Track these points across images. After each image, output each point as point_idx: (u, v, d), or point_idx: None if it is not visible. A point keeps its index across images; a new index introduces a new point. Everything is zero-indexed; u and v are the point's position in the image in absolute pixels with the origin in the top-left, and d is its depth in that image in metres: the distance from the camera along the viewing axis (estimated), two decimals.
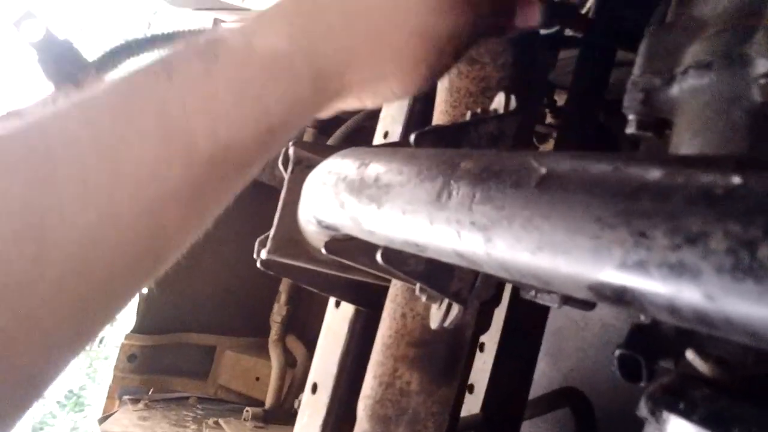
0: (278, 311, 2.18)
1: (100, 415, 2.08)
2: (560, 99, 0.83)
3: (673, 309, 0.26)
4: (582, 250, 0.29)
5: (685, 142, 0.38)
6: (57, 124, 0.32)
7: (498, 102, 0.56)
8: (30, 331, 0.31)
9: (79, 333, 0.34)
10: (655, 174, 0.27)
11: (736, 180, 0.24)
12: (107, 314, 0.35)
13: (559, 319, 1.24)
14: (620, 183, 0.28)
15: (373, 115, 0.99)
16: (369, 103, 0.43)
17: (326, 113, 0.43)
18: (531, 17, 0.48)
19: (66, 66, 0.51)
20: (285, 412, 2.04)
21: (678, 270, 0.25)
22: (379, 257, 0.50)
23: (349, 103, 0.42)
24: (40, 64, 0.52)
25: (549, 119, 0.90)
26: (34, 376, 0.32)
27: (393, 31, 0.41)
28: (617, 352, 0.48)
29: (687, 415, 0.44)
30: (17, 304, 0.30)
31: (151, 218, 0.33)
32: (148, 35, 0.56)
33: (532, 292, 0.62)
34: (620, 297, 0.29)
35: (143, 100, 0.33)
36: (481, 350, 1.22)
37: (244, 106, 0.35)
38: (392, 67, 0.42)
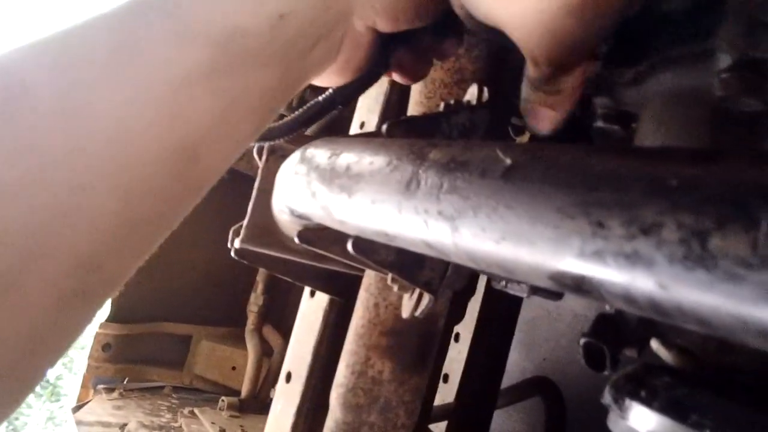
0: (255, 301, 2.18)
1: (74, 404, 2.07)
2: None
3: (628, 297, 0.27)
4: (543, 240, 0.30)
5: (649, 135, 0.38)
6: (77, 27, 0.34)
7: (471, 93, 0.56)
8: (85, 206, 0.31)
9: (134, 224, 0.34)
10: (612, 165, 0.28)
11: (690, 171, 0.25)
12: (156, 215, 0.35)
13: (532, 309, 1.26)
14: (580, 174, 0.29)
15: (350, 107, 0.99)
16: (382, 16, 0.42)
17: (342, 28, 0.42)
18: None
19: None
20: (261, 401, 2.04)
21: (633, 259, 0.26)
22: (350, 246, 0.50)
23: (361, 11, 0.41)
24: None
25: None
26: (95, 262, 0.33)
27: None
28: (582, 341, 0.49)
29: (648, 402, 0.46)
30: (69, 174, 0.31)
31: (177, 97, 0.34)
32: None
33: (503, 283, 0.63)
34: (579, 286, 0.29)
35: None
36: (456, 340, 1.24)
37: None
38: None
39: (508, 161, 0.33)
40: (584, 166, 0.29)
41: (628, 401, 0.47)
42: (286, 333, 2.08)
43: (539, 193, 0.30)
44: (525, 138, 0.88)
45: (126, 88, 0.33)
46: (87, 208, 0.32)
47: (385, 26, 0.42)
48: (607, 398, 0.51)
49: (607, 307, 0.49)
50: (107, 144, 0.32)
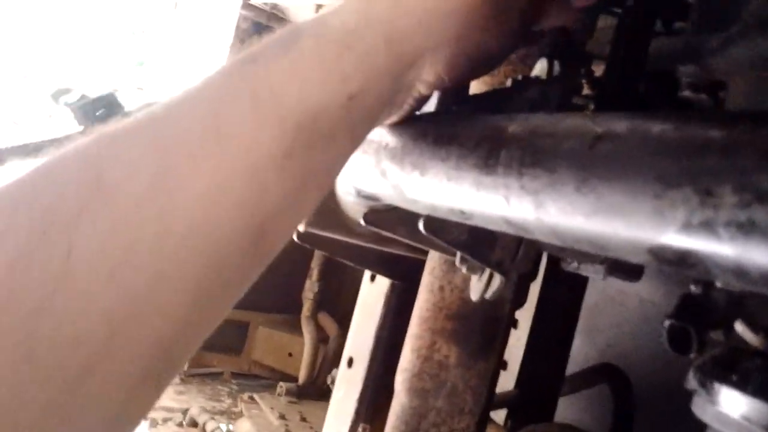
0: (310, 287, 2.19)
1: None
2: (598, 70, 0.81)
3: (740, 271, 0.25)
4: (642, 212, 0.28)
5: (740, 102, 0.36)
6: (162, 110, 0.36)
7: (540, 68, 0.54)
8: (160, 293, 0.32)
9: (204, 305, 0.35)
10: (720, 131, 0.26)
11: None
12: (226, 292, 0.37)
13: (595, 294, 1.23)
14: (683, 141, 0.27)
15: None
16: (445, 74, 0.44)
17: (407, 93, 0.44)
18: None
19: (106, 116, 0.53)
20: (318, 387, 2.06)
21: (747, 229, 0.24)
22: (421, 226, 0.49)
23: (426, 77, 0.43)
24: (77, 120, 0.53)
25: (586, 90, 0.87)
26: (165, 346, 0.33)
27: None
28: (667, 323, 0.47)
29: (740, 386, 0.43)
30: (145, 265, 0.32)
31: (254, 185, 0.35)
32: None
33: (575, 264, 0.61)
34: (683, 260, 0.28)
35: (235, 81, 0.37)
36: (515, 326, 1.21)
37: (324, 75, 0.38)
38: (461, 26, 0.42)
39: (598, 130, 0.32)
40: (686, 132, 0.27)
41: (717, 385, 0.45)
42: (341, 319, 2.09)
43: (636, 162, 0.29)
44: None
45: (209, 179, 0.34)
46: (163, 296, 0.32)
47: (450, 83, 0.45)
48: (692, 383, 0.48)
49: (692, 287, 0.47)
50: (185, 235, 0.33)
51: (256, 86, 0.36)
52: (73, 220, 0.31)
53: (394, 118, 0.48)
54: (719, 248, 0.25)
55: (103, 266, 0.31)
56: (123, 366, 0.32)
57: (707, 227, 0.25)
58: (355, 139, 0.41)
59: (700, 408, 0.47)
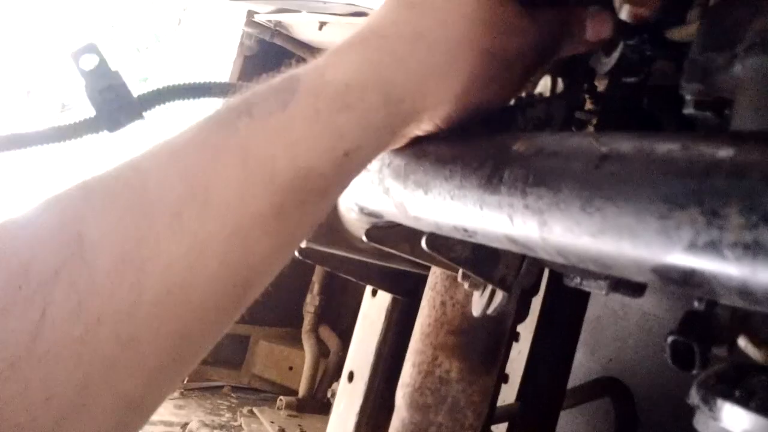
0: (311, 301, 2.19)
1: None
2: (600, 85, 0.81)
3: (745, 291, 0.25)
4: (647, 232, 0.28)
5: (746, 121, 0.36)
6: (148, 162, 0.35)
7: (544, 86, 0.55)
8: (132, 356, 0.32)
9: (178, 361, 0.35)
10: (727, 151, 0.26)
11: None
12: (204, 343, 0.36)
13: (597, 308, 1.23)
14: (690, 161, 0.27)
15: None
16: (443, 125, 0.44)
17: (403, 140, 0.45)
18: (603, 29, 0.47)
19: (111, 96, 0.53)
20: (318, 401, 2.05)
21: (753, 250, 0.24)
22: (424, 243, 0.50)
23: (424, 126, 0.43)
24: (87, 92, 0.53)
25: (588, 105, 0.87)
26: (136, 402, 0.33)
27: (461, 53, 0.42)
28: (670, 339, 0.47)
29: (742, 402, 0.43)
30: (119, 329, 0.31)
31: (239, 244, 0.34)
32: (197, 82, 0.56)
33: (577, 279, 0.61)
34: (687, 279, 0.28)
35: (227, 134, 0.36)
36: (516, 340, 1.21)
37: (320, 133, 0.37)
38: (462, 87, 0.42)
39: (603, 150, 0.32)
40: (692, 153, 0.28)
41: (720, 401, 0.45)
42: (342, 333, 2.09)
43: (642, 182, 0.29)
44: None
45: (191, 240, 0.33)
46: (134, 359, 0.32)
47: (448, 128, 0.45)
48: (694, 398, 0.48)
49: (696, 303, 0.47)
50: (164, 297, 0.33)
51: (249, 144, 0.36)
52: (50, 279, 0.30)
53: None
54: (724, 269, 0.25)
55: (76, 329, 0.30)
56: (93, 422, 0.32)
57: (713, 248, 0.25)
58: (347, 187, 0.41)
59: (702, 424, 0.47)
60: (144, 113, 0.56)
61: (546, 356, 1.18)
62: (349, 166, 0.39)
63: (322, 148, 0.37)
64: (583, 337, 1.18)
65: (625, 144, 0.31)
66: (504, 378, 1.23)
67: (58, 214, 0.33)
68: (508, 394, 1.18)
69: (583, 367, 1.23)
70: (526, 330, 1.19)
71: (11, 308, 0.30)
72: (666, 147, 0.29)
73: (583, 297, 1.15)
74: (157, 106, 0.57)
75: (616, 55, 0.50)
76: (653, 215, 0.28)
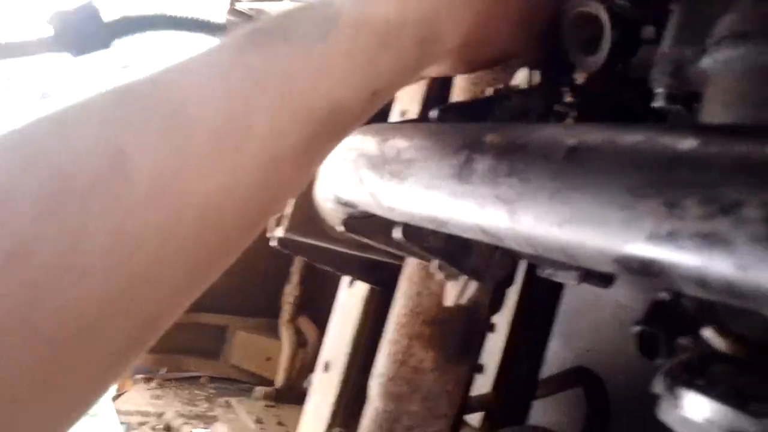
0: (290, 291, 2.18)
1: (114, 393, 2.10)
2: (580, 78, 0.82)
3: (702, 281, 0.26)
4: (611, 222, 0.29)
5: (715, 114, 0.37)
6: (188, 78, 0.34)
7: (520, 78, 0.55)
8: (160, 276, 0.32)
9: (195, 284, 0.36)
10: (689, 144, 0.27)
11: None
12: (222, 266, 0.37)
13: (573, 299, 1.24)
14: (653, 153, 0.28)
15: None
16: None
17: (420, 79, 0.45)
18: None
19: (77, 19, 0.51)
20: (296, 391, 2.05)
21: (710, 240, 0.25)
22: (399, 233, 0.50)
23: (443, 69, 0.44)
24: (51, 13, 0.51)
25: (568, 98, 0.88)
26: (154, 320, 0.34)
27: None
28: (636, 328, 0.48)
29: (706, 391, 0.44)
30: (154, 250, 0.31)
31: (272, 175, 0.35)
32: (182, 15, 0.55)
33: (550, 269, 0.62)
34: (647, 269, 0.29)
35: (267, 59, 0.35)
36: (492, 330, 1.22)
37: (358, 70, 0.37)
38: (496, 30, 0.44)
39: (572, 141, 0.32)
40: (655, 145, 0.28)
41: (683, 390, 0.46)
42: (321, 324, 2.08)
43: (607, 173, 0.29)
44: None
45: (230, 166, 0.33)
46: (163, 280, 0.33)
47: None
48: (658, 387, 0.49)
49: (661, 294, 0.48)
50: (200, 221, 0.33)
51: (290, 71, 0.35)
52: (92, 191, 0.30)
53: None
54: (683, 259, 0.26)
55: (113, 245, 0.30)
56: (113, 337, 0.32)
57: (672, 238, 0.26)
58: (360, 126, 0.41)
59: (665, 412, 0.48)
60: (111, 42, 0.54)
61: (521, 347, 1.19)
62: (373, 104, 0.39)
63: (356, 86, 0.37)
64: (559, 328, 1.19)
65: (592, 136, 0.32)
66: (479, 368, 1.25)
67: (97, 126, 0.32)
68: (483, 384, 1.20)
69: (558, 357, 1.24)
70: (503, 321, 1.21)
71: (50, 216, 0.29)
72: (631, 139, 0.30)
73: (558, 288, 1.17)
74: (125, 36, 0.55)
75: (603, 54, 0.51)
76: (616, 206, 0.29)
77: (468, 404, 0.99)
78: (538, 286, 1.14)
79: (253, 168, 0.34)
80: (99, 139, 0.31)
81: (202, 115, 0.33)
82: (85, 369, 0.32)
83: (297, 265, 2.14)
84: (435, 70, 0.44)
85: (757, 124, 0.31)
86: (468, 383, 0.85)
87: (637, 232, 0.28)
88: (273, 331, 2.20)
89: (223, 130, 0.33)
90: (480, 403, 1.17)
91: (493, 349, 1.20)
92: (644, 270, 0.29)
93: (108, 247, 0.30)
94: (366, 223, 0.64)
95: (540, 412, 1.18)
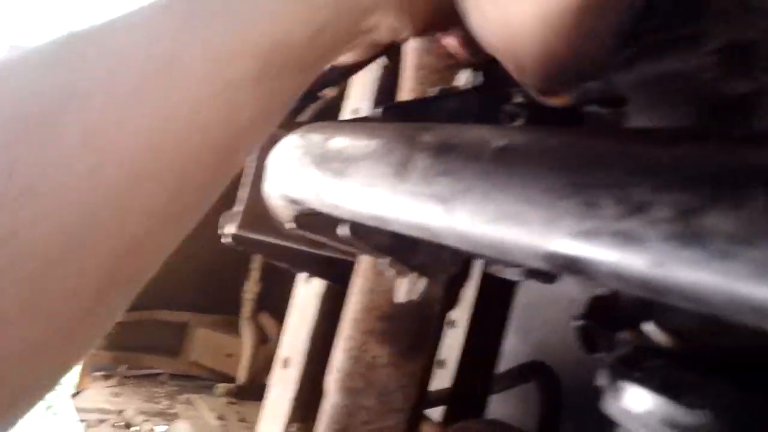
0: (250, 288, 2.17)
1: (73, 391, 2.07)
2: None
3: (620, 276, 0.27)
4: (535, 221, 0.30)
5: (639, 117, 0.38)
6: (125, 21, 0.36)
7: (463, 78, 0.56)
8: (142, 193, 0.33)
9: (182, 207, 0.37)
10: (602, 146, 0.28)
11: (680, 150, 0.25)
12: (198, 197, 0.38)
13: (529, 294, 1.26)
14: (571, 155, 0.29)
15: (342, 93, 0.99)
16: (411, 27, 0.45)
17: (366, 36, 0.45)
18: None
19: None
20: (257, 388, 2.04)
21: (625, 238, 0.26)
22: (345, 231, 0.51)
23: (388, 23, 0.44)
24: None
25: (519, 99, 0.89)
26: (139, 243, 0.35)
27: None
28: (576, 323, 0.50)
29: (642, 383, 0.46)
30: (135, 164, 0.33)
31: (229, 97, 0.36)
32: None
33: (498, 266, 0.63)
34: (572, 266, 0.29)
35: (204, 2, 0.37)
36: (454, 326, 1.24)
37: (294, 7, 0.39)
38: None
39: (499, 143, 0.33)
40: (574, 148, 0.29)
41: (622, 383, 0.47)
42: (282, 320, 2.08)
43: (530, 174, 0.30)
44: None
45: (174, 94, 0.34)
46: (141, 197, 0.33)
47: (404, 38, 0.46)
48: (601, 380, 0.51)
49: (598, 290, 0.50)
50: (158, 141, 0.34)
51: (238, 8, 0.37)
52: (60, 111, 0.31)
53: (349, 58, 0.49)
54: (601, 255, 0.27)
55: (87, 159, 0.31)
56: (97, 259, 0.32)
57: (590, 236, 0.27)
58: (315, 73, 0.42)
59: (607, 405, 0.50)
60: None
61: (479, 342, 1.21)
62: (322, 42, 0.40)
63: (297, 22, 0.39)
64: (516, 323, 1.21)
65: (520, 137, 0.33)
66: (441, 363, 1.26)
67: (50, 62, 0.33)
68: (444, 380, 1.21)
69: (514, 351, 1.26)
70: (462, 316, 1.22)
71: (23, 137, 0.30)
72: (556, 141, 0.31)
73: (514, 284, 1.19)
74: None
75: None
76: (541, 205, 0.29)
77: (428, 399, 1.00)
78: (495, 283, 1.15)
79: (215, 91, 0.36)
80: (54, 73, 0.33)
81: (124, 68, 0.34)
82: (70, 299, 0.32)
83: (257, 261, 2.13)
84: (381, 33, 0.44)
85: (670, 127, 0.32)
86: (425, 378, 0.86)
87: (559, 230, 0.29)
88: (233, 328, 2.19)
89: (189, 55, 0.35)
90: (438, 398, 1.19)
91: (453, 344, 1.22)
92: (570, 267, 0.30)
93: (81, 158, 0.31)
94: (316, 220, 0.64)
95: (498, 405, 1.20)
